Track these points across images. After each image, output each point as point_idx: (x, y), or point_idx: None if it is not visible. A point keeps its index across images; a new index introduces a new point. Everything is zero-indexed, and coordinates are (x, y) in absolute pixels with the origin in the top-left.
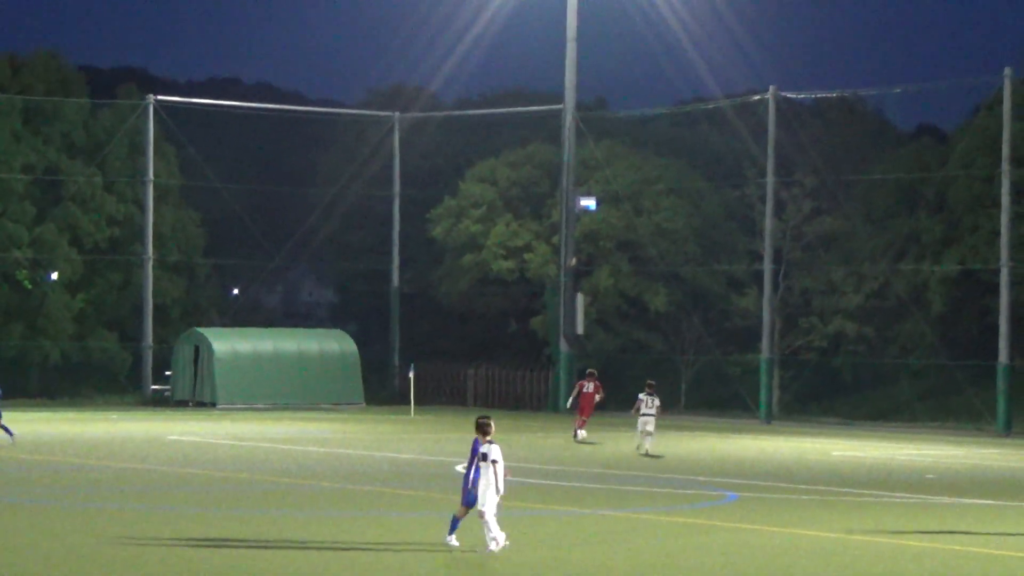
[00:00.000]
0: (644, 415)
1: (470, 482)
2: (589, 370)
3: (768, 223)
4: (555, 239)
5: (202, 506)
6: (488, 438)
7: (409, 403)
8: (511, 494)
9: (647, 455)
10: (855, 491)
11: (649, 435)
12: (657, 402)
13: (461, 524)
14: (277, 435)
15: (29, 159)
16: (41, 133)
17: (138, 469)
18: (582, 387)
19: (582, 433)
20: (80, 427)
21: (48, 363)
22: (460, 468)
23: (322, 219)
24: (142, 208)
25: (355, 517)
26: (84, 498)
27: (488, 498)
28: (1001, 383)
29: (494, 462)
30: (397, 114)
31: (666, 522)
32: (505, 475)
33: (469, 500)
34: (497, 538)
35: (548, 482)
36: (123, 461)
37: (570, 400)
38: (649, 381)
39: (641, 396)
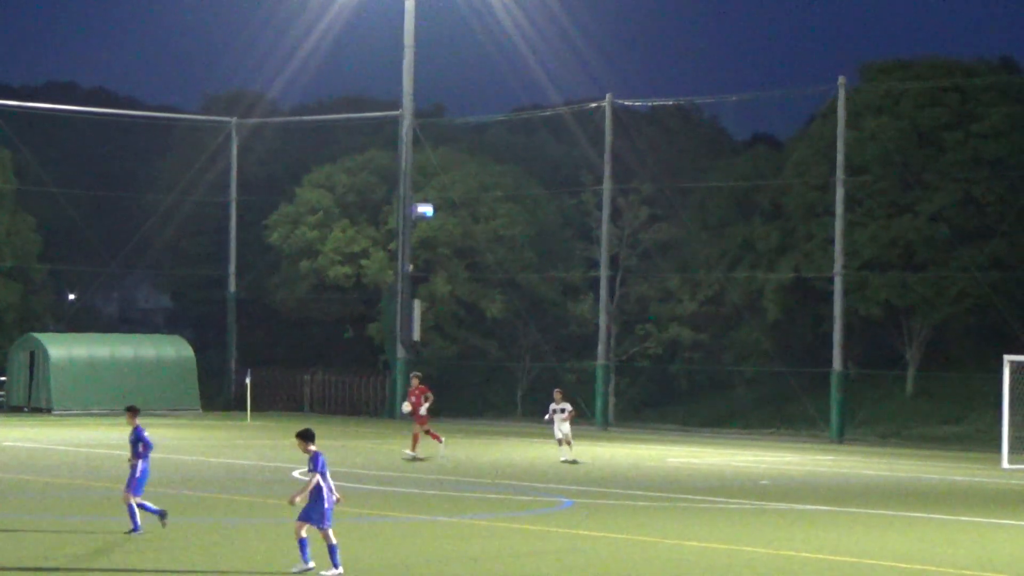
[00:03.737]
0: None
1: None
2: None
3: (604, 230)
4: (392, 245)
5: (37, 513)
6: None
7: (246, 409)
8: (347, 501)
9: (567, 462)
10: (690, 497)
11: (561, 444)
12: (567, 406)
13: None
14: (113, 441)
15: None
16: None
17: None
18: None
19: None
20: None
21: None
22: (298, 474)
23: (159, 225)
24: None
25: (190, 523)
26: None
27: None
28: (835, 390)
29: None
30: (234, 120)
31: (502, 528)
32: None
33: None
34: None
35: (384, 488)
36: None
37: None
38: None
39: (552, 406)
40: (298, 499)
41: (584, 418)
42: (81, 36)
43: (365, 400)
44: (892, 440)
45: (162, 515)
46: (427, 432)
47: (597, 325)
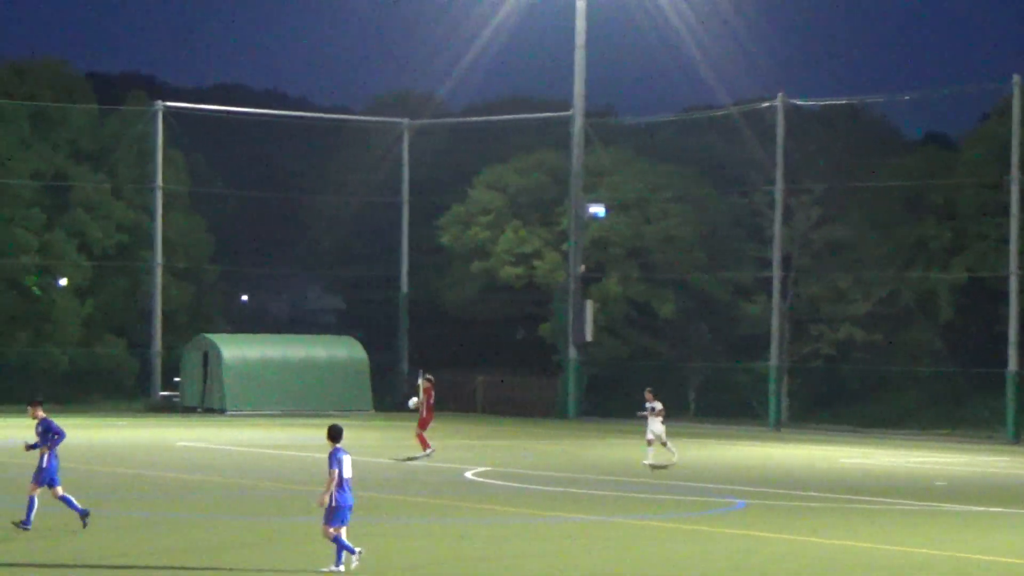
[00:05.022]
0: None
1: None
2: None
3: (777, 230)
4: (564, 246)
5: (208, 512)
6: None
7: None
8: (518, 501)
9: (654, 466)
10: (863, 498)
11: (651, 444)
12: (658, 405)
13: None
14: (285, 441)
15: (37, 165)
16: (49, 139)
17: (145, 475)
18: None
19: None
20: (88, 433)
21: (56, 369)
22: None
23: (329, 225)
24: (150, 214)
25: (362, 523)
26: (90, 504)
27: None
28: (1010, 391)
29: None
30: (406, 121)
31: (673, 529)
32: None
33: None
34: None
35: (556, 489)
36: (131, 467)
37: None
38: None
39: (646, 405)
40: (327, 498)
41: (757, 419)
42: (253, 38)
43: (537, 401)
44: None
45: (84, 514)
46: (419, 435)
47: (769, 325)
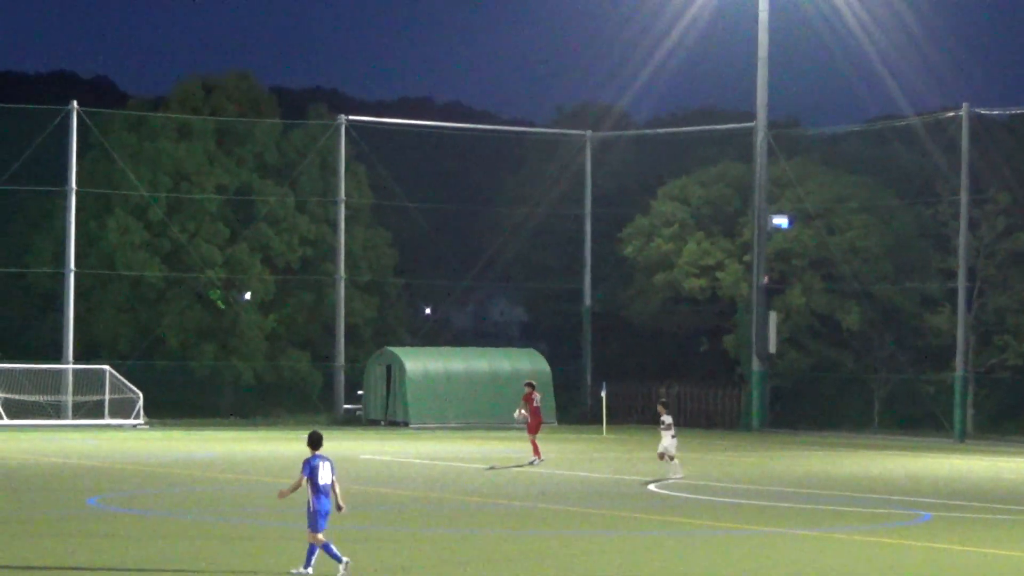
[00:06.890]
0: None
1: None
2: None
3: (962, 241)
4: (747, 257)
5: (393, 525)
6: None
7: (601, 422)
8: (703, 514)
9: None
10: None
11: (661, 458)
12: (668, 419)
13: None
14: (469, 454)
15: (222, 179)
16: (234, 154)
17: None
18: (532, 399)
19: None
20: (272, 446)
21: (241, 383)
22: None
23: (512, 238)
24: (333, 228)
25: (545, 536)
26: (276, 517)
27: None
28: None
29: None
30: (589, 132)
31: (859, 541)
32: None
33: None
34: None
35: (741, 501)
36: None
37: (521, 414)
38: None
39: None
40: (286, 491)
41: (942, 430)
42: (436, 51)
43: (720, 412)
44: None
45: None
46: (532, 440)
47: (954, 336)
